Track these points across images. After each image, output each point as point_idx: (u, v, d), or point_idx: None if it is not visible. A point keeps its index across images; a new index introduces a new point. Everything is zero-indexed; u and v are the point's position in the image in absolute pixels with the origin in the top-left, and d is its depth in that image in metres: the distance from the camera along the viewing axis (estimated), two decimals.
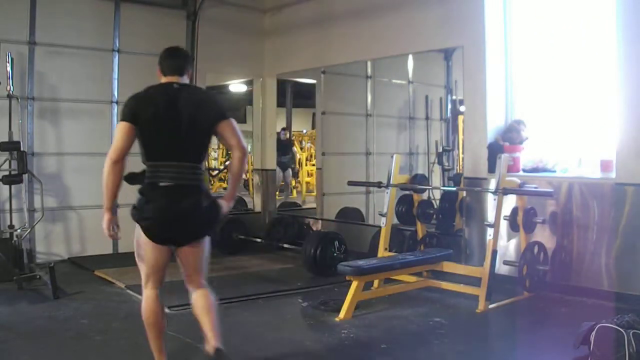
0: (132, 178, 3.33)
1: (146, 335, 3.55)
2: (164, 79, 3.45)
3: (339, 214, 8.69)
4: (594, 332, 3.51)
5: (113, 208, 3.30)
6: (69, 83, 7.40)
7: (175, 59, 3.51)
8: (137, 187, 3.33)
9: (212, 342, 3.30)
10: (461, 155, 7.33)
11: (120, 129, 3.25)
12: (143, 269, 3.44)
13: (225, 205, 3.43)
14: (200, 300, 3.43)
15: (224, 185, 14.55)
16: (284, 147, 12.05)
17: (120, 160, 3.21)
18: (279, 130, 11.39)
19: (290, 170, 12.88)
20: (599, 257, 5.40)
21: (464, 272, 5.50)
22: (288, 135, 12.84)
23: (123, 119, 3.26)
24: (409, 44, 7.17)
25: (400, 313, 5.01)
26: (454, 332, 4.54)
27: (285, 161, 12.08)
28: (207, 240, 3.46)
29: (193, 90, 3.49)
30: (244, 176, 3.24)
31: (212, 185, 13.55)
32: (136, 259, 3.45)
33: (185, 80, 3.44)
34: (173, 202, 3.24)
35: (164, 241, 3.32)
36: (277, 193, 11.64)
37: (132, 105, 3.29)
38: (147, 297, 3.45)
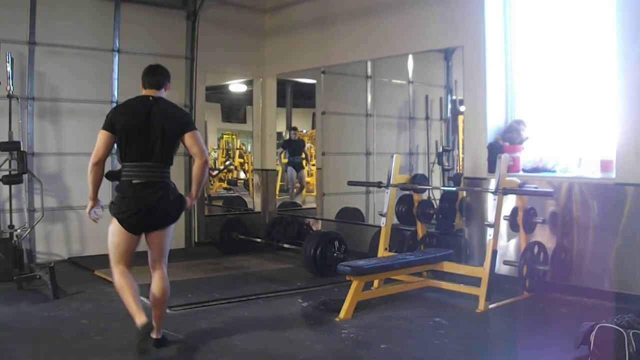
0: (111, 176, 4.06)
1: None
2: (144, 92, 4.05)
3: (339, 214, 8.69)
4: (594, 332, 3.51)
5: (95, 198, 4.04)
6: (69, 83, 7.40)
7: (154, 75, 4.07)
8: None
9: (154, 335, 4.05)
10: (461, 155, 7.32)
11: (100, 137, 3.91)
12: (115, 253, 4.01)
13: (189, 201, 4.11)
14: (157, 286, 4.09)
15: (224, 185, 14.56)
16: (297, 147, 11.82)
17: (99, 163, 3.91)
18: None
19: (303, 171, 12.66)
20: (599, 257, 5.40)
21: (464, 272, 5.50)
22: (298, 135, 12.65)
23: (103, 128, 3.91)
24: (409, 44, 7.18)
25: (400, 313, 5.02)
26: (454, 332, 4.54)
27: (299, 161, 11.92)
28: (171, 228, 4.11)
29: (164, 103, 4.02)
30: (206, 179, 3.80)
31: (212, 185, 13.54)
32: (109, 245, 4.02)
33: (162, 94, 4.05)
34: (144, 196, 3.87)
35: (137, 230, 3.95)
36: (294, 193, 11.56)
37: (111, 116, 3.95)
38: (119, 272, 4.04)
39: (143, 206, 3.88)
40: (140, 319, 3.81)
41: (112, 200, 3.99)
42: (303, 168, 12.32)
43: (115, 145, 3.94)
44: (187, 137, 3.95)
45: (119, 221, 3.91)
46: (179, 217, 4.13)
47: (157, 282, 4.10)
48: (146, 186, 3.88)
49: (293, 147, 11.53)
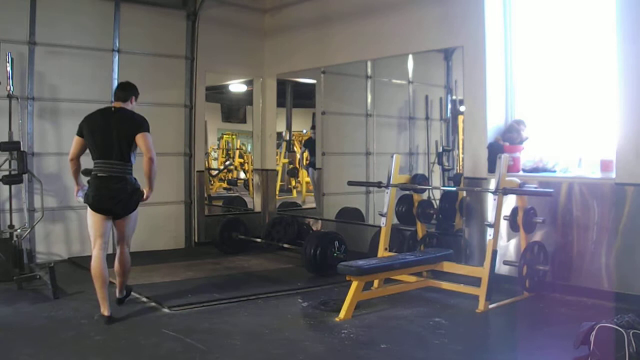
0: (86, 172, 5.03)
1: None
2: (113, 104, 5.04)
3: (338, 214, 8.69)
4: (594, 332, 3.51)
5: (79, 184, 5.03)
6: (69, 83, 7.40)
7: (122, 91, 5.05)
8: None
9: (117, 294, 5.25)
10: (461, 155, 7.32)
11: (74, 140, 4.93)
12: (92, 232, 4.88)
13: (146, 192, 4.92)
14: (118, 260, 5.07)
15: (224, 185, 14.58)
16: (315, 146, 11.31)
17: (72, 159, 4.95)
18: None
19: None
20: (599, 257, 5.40)
21: (464, 272, 5.49)
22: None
23: (76, 134, 4.92)
24: (409, 44, 7.18)
25: (400, 313, 5.02)
26: (454, 332, 4.54)
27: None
28: (133, 215, 4.99)
29: (124, 112, 4.94)
30: (154, 175, 4.84)
31: (212, 185, 13.54)
32: (88, 228, 4.91)
33: (127, 105, 4.98)
34: (106, 186, 4.79)
35: (103, 212, 4.82)
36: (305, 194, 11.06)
37: (81, 124, 4.93)
38: (95, 256, 4.85)
39: (105, 193, 4.79)
40: (103, 310, 4.76)
41: (85, 192, 4.89)
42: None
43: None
44: (138, 138, 4.79)
45: (90, 206, 4.83)
46: (136, 206, 4.95)
47: (119, 257, 5.07)
48: (108, 179, 4.79)
49: (313, 147, 10.55)
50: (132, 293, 5.56)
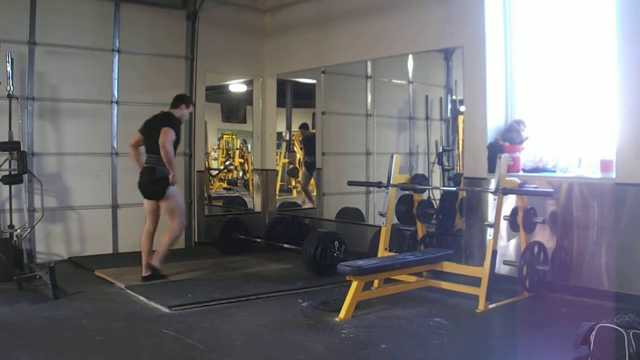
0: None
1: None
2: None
3: (339, 214, 8.68)
4: (594, 332, 3.51)
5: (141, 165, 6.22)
6: (69, 83, 7.40)
7: (173, 100, 6.36)
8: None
9: (157, 265, 6.21)
10: (461, 155, 7.32)
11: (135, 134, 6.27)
12: (146, 212, 6.24)
13: (170, 177, 5.99)
14: (163, 235, 6.22)
15: (224, 185, 14.58)
16: (309, 145, 10.18)
17: (132, 145, 6.24)
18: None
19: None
20: (599, 257, 5.40)
21: (464, 272, 5.49)
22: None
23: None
24: (409, 44, 7.18)
25: (400, 313, 5.02)
26: (454, 332, 4.55)
27: (312, 161, 11.01)
28: (168, 198, 6.07)
29: (166, 114, 6.22)
30: (173, 160, 6.00)
31: (212, 185, 13.54)
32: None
33: (175, 112, 6.25)
34: (144, 175, 6.12)
35: (145, 196, 6.19)
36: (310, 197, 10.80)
37: (142, 124, 6.24)
38: (145, 230, 6.22)
39: (142, 182, 6.15)
40: (143, 272, 6.08)
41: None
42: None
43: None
44: (161, 131, 5.91)
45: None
46: (162, 189, 6.02)
47: (165, 233, 6.23)
48: (147, 169, 6.07)
49: (307, 146, 10.59)
50: (132, 293, 5.58)
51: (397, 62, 8.37)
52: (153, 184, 6.01)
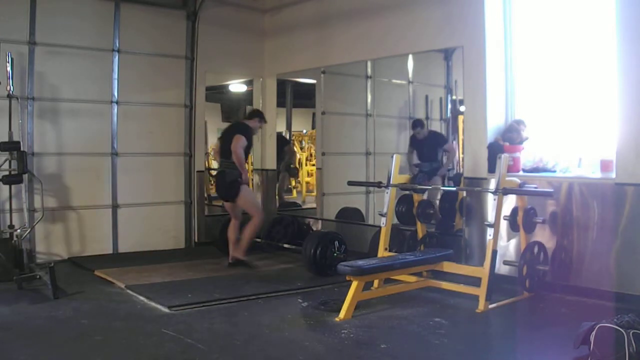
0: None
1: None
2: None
3: (339, 214, 8.68)
4: (594, 332, 3.51)
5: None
6: (69, 83, 7.40)
7: (250, 112, 7.36)
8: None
9: (240, 256, 6.94)
10: (461, 155, 7.32)
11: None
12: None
13: (242, 179, 6.70)
14: (244, 229, 6.94)
15: None
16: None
17: (217, 153, 7.26)
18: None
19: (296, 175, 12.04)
20: (599, 257, 5.40)
21: (464, 272, 5.49)
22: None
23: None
24: (409, 44, 7.18)
25: (400, 313, 5.02)
26: (454, 332, 4.55)
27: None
28: (240, 198, 6.75)
29: (239, 123, 7.10)
30: (244, 164, 6.74)
31: (212, 185, 13.50)
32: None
33: (249, 122, 7.00)
34: (218, 178, 6.99)
35: (221, 198, 7.11)
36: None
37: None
38: (230, 224, 7.02)
39: (218, 189, 7.05)
40: (230, 259, 6.91)
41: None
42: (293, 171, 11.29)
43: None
44: (232, 139, 6.64)
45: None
46: (235, 191, 6.70)
47: (246, 226, 6.90)
48: (221, 172, 6.88)
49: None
50: (133, 293, 5.58)
51: (398, 62, 8.36)
52: (227, 188, 6.76)
